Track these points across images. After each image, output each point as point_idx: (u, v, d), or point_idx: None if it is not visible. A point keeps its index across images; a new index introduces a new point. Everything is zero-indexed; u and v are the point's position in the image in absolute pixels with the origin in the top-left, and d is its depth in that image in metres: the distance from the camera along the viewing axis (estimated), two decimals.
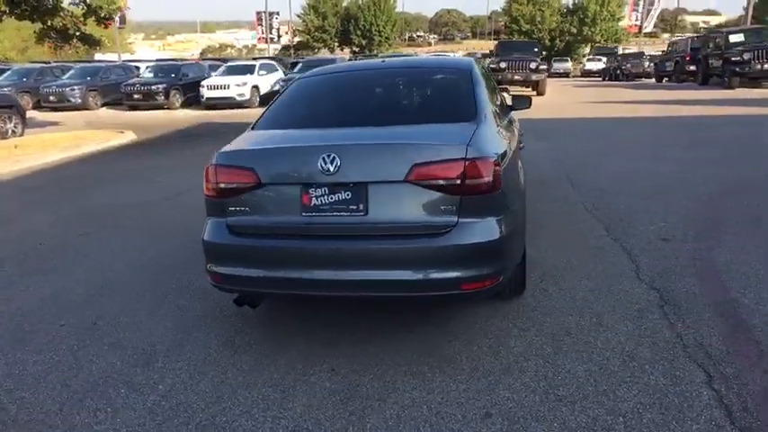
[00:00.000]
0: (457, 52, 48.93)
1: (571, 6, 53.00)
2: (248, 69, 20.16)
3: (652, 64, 31.23)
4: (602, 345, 2.85)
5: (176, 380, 2.75)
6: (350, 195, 2.59)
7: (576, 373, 2.61)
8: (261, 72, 20.18)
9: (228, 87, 18.84)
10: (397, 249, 2.56)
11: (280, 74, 21.20)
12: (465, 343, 2.94)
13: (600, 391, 2.47)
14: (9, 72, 21.81)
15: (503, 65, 19.65)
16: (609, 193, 5.89)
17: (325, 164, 2.56)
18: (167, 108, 19.51)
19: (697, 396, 2.39)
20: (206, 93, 19.06)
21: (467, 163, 2.53)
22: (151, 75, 20.91)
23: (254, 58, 28.74)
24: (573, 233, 4.62)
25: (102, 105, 20.79)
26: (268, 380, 2.71)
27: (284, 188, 2.70)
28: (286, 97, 3.49)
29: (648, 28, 53.15)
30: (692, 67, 22.41)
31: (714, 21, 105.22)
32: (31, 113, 16.67)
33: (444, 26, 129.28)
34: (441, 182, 2.53)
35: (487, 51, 34.34)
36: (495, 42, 28.77)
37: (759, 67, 17.51)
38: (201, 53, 69.36)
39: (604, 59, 39.28)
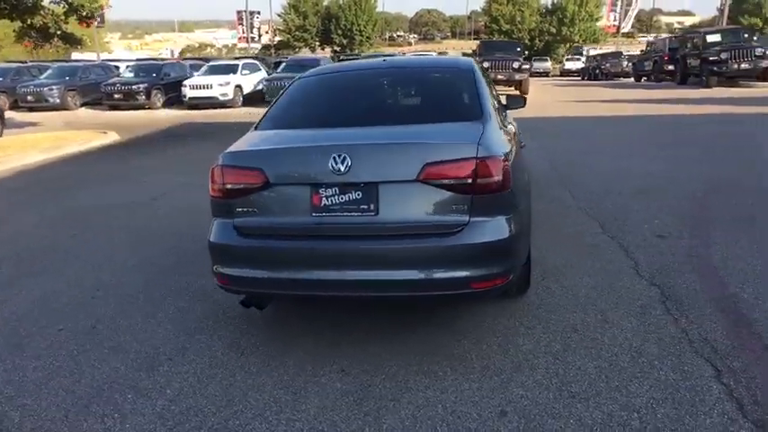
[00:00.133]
0: (449, 52, 49.03)
1: (550, 7, 53.57)
2: (231, 69, 19.95)
3: (630, 63, 31.75)
4: (610, 341, 2.88)
5: (184, 383, 2.71)
6: (360, 195, 2.58)
7: (587, 370, 2.63)
8: (244, 72, 19.99)
9: (211, 87, 18.61)
10: (408, 249, 2.55)
11: (263, 73, 21.03)
12: (473, 342, 2.94)
13: (612, 387, 2.49)
14: None
15: (486, 64, 19.72)
16: (599, 191, 5.96)
17: (336, 164, 2.54)
18: (149, 108, 19.20)
19: (707, 390, 2.43)
20: (188, 92, 18.80)
21: (478, 162, 2.53)
22: (132, 74, 20.55)
23: (236, 58, 28.47)
24: (569, 232, 4.66)
25: (82, 105, 20.37)
26: (278, 382, 2.68)
27: (293, 188, 2.67)
28: (288, 97, 3.45)
29: (626, 28, 54.03)
30: (671, 67, 22.83)
31: (688, 21, 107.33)
32: (8, 114, 16.25)
33: (424, 26, 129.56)
34: (452, 181, 2.53)
35: (469, 51, 34.54)
36: (476, 42, 28.97)
37: (736, 66, 17.92)
38: (181, 53, 68.49)
39: (583, 59, 39.95)
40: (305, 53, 52.33)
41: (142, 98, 19.11)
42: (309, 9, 55.10)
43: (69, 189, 7.53)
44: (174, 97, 19.88)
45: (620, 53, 35.85)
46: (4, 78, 20.75)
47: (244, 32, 51.21)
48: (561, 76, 41.83)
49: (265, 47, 55.51)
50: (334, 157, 2.55)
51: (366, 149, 2.60)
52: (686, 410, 2.31)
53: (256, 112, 17.52)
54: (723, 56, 18.06)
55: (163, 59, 31.11)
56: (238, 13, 51.28)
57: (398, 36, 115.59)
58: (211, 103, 18.68)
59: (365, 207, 2.58)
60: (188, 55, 55.81)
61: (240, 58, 24.95)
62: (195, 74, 20.47)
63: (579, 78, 36.48)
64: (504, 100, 4.58)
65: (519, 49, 21.26)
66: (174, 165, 9.23)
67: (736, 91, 17.73)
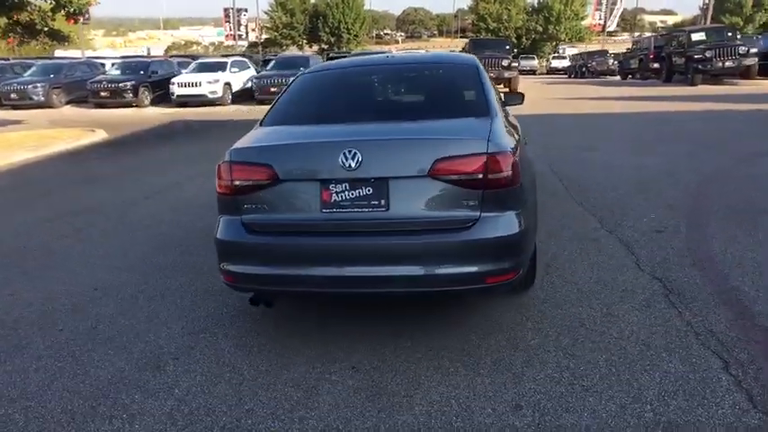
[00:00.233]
0: (452, 49, 49.06)
1: (536, 5, 53.89)
2: (220, 66, 19.79)
3: (616, 62, 32.08)
4: (617, 334, 2.90)
5: (192, 383, 2.67)
6: (371, 191, 2.56)
7: (597, 363, 2.64)
8: (233, 69, 19.85)
9: (200, 85, 18.44)
10: (420, 245, 2.54)
11: (252, 71, 20.89)
12: (482, 337, 2.94)
13: (623, 380, 2.50)
14: None
15: None
16: (595, 186, 6.00)
17: (347, 159, 2.52)
18: (136, 106, 18.97)
19: (717, 381, 2.45)
20: (177, 90, 18.62)
21: (488, 157, 2.53)
22: (118, 72, 20.28)
23: (224, 55, 28.22)
24: (568, 226, 4.68)
25: (67, 103, 20.06)
26: (288, 380, 2.65)
27: (303, 184, 2.65)
28: (293, 93, 3.42)
29: (612, 27, 54.50)
30: (656, 65, 23.10)
31: (671, 20, 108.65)
32: None
33: (411, 24, 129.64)
34: (463, 176, 2.52)
35: (457, 49, 34.62)
36: (463, 40, 29.06)
37: (720, 64, 18.16)
38: (166, 50, 67.77)
39: (569, 57, 40.36)
40: (292, 51, 52.07)
41: (129, 96, 18.87)
42: (297, 6, 54.83)
43: (60, 188, 7.42)
44: (161, 95, 19.67)
45: (606, 51, 36.21)
46: None
47: (231, 30, 50.75)
48: (548, 74, 42.18)
49: (252, 44, 55.09)
50: (345, 153, 2.53)
51: (377, 145, 2.59)
52: (698, 402, 2.33)
53: (246, 110, 17.47)
54: (708, 54, 18.30)
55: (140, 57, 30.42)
56: (225, 10, 50.77)
57: (385, 34, 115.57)
58: (200, 101, 18.53)
59: (375, 203, 2.56)
60: (174, 52, 55.24)
61: (229, 56, 24.73)
62: (183, 71, 20.27)
63: (566, 76, 36.77)
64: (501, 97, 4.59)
65: (508, 48, 21.36)
66: (165, 163, 9.13)
67: (720, 88, 17.96)
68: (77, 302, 3.68)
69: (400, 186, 2.56)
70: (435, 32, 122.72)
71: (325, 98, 3.41)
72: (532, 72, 41.66)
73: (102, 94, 19.00)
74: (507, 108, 4.39)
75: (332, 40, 53.96)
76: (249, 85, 19.70)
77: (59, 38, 14.45)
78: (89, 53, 38.99)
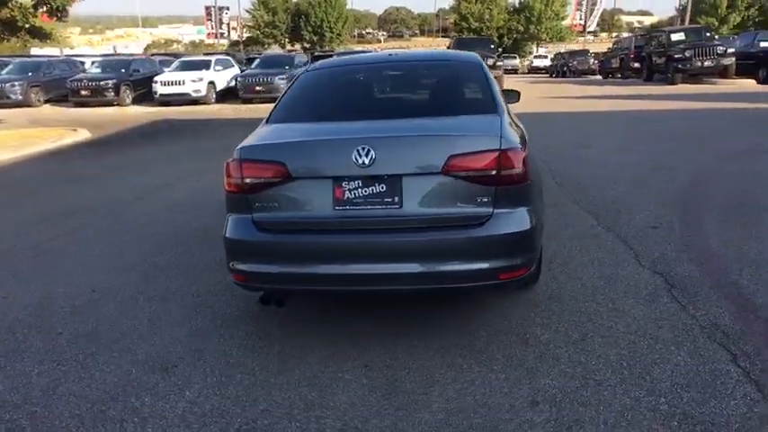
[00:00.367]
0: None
1: (517, 5, 54.29)
2: (204, 65, 19.56)
3: (596, 61, 32.49)
4: (625, 329, 2.93)
5: (203, 385, 2.63)
6: (384, 188, 2.55)
7: (609, 358, 2.67)
8: (217, 68, 19.63)
9: (184, 83, 18.21)
10: (434, 241, 2.54)
11: (236, 70, 20.70)
12: (492, 334, 2.95)
13: (635, 374, 2.53)
14: None
15: None
16: (588, 183, 6.06)
17: (360, 156, 2.51)
18: (117, 105, 18.65)
19: (726, 373, 2.49)
20: (159, 89, 18.35)
21: (501, 154, 2.54)
22: (99, 70, 19.91)
23: (206, 54, 27.91)
24: (566, 223, 4.72)
25: (45, 102, 19.65)
26: (301, 379, 2.63)
27: (316, 182, 2.62)
28: (298, 91, 3.39)
29: (592, 26, 55.21)
30: (637, 65, 23.42)
31: (647, 21, 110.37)
32: None
33: (393, 23, 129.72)
34: (477, 173, 2.53)
35: (444, 48, 34.73)
36: (445, 40, 29.16)
37: (699, 64, 18.50)
38: (145, 48, 66.80)
39: (550, 57, 40.79)
40: (274, 50, 51.70)
41: (111, 95, 18.55)
42: (279, 5, 54.43)
43: (46, 188, 7.26)
44: (143, 94, 19.38)
45: (587, 51, 36.64)
46: None
47: (213, 28, 50.22)
48: (529, 73, 42.56)
49: (234, 43, 54.60)
50: (358, 150, 2.51)
51: (391, 142, 2.58)
52: (710, 393, 2.36)
53: (231, 109, 17.31)
54: (687, 54, 18.62)
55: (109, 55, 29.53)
56: (207, 8, 50.21)
57: (367, 33, 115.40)
58: (184, 100, 18.29)
59: (389, 200, 2.55)
60: (154, 51, 54.46)
61: (212, 54, 24.47)
62: (166, 70, 19.99)
63: (547, 75, 37.13)
64: None
65: (492, 47, 21.52)
66: (153, 162, 8.99)
67: (699, 87, 18.29)
68: (76, 304, 3.60)
69: (414, 183, 2.56)
70: (417, 32, 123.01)
71: (333, 95, 3.38)
72: (514, 71, 41.99)
73: (83, 92, 18.65)
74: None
75: (314, 38, 53.71)
76: (234, 83, 19.50)
77: (41, 35, 14.13)
78: (66, 51, 38.23)
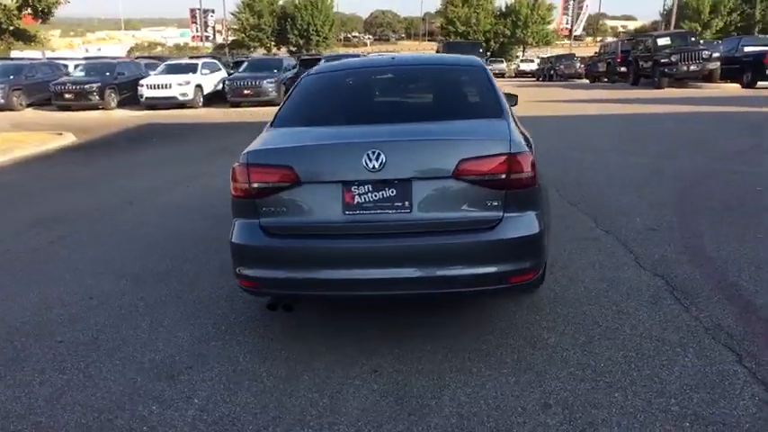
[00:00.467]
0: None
1: (504, 9, 54.74)
2: (191, 68, 19.39)
3: (582, 65, 32.87)
4: (631, 331, 2.95)
5: (211, 392, 2.60)
6: (394, 192, 2.55)
7: (617, 360, 2.69)
8: (204, 71, 19.46)
9: (170, 87, 18.03)
10: (445, 246, 2.54)
11: (223, 73, 20.57)
12: (499, 337, 2.95)
13: (644, 376, 2.55)
14: None
15: None
16: (585, 186, 6.12)
17: (370, 161, 2.50)
18: (102, 108, 18.40)
19: (734, 374, 2.52)
20: (146, 92, 18.16)
21: (511, 158, 2.55)
22: (83, 73, 19.65)
23: (192, 57, 27.69)
24: (564, 226, 4.75)
25: (28, 106, 19.35)
26: (311, 386, 2.61)
27: (325, 186, 2.60)
28: (301, 95, 3.37)
29: (578, 31, 55.88)
30: (624, 69, 23.72)
31: (631, 25, 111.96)
32: None
33: (379, 27, 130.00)
34: (487, 177, 2.53)
35: (433, 52, 34.89)
36: (431, 43, 29.29)
37: (685, 68, 18.78)
38: (129, 51, 66.14)
39: (537, 60, 41.20)
40: (260, 53, 51.48)
41: (95, 98, 18.30)
42: (265, 8, 54.15)
43: (36, 194, 7.14)
44: (129, 97, 19.18)
45: (573, 55, 37.04)
46: None
47: (198, 31, 49.91)
48: (516, 77, 42.90)
49: (219, 46, 54.27)
50: (369, 154, 2.50)
51: (402, 146, 2.57)
52: (719, 394, 2.39)
53: (220, 113, 17.18)
54: (674, 58, 18.89)
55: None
56: (192, 11, 49.93)
57: (353, 37, 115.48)
58: (170, 104, 18.11)
59: (399, 204, 2.55)
60: (137, 54, 53.91)
61: (199, 57, 24.28)
62: (152, 73, 19.80)
63: (534, 79, 37.45)
64: None
65: (481, 50, 21.73)
66: (143, 167, 8.89)
67: (686, 91, 18.57)
68: (74, 312, 3.54)
69: (424, 187, 2.55)
70: (403, 35, 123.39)
71: (338, 99, 3.36)
72: (501, 75, 42.31)
73: (67, 96, 18.38)
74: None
75: (300, 42, 53.56)
76: (221, 87, 19.38)
77: (25, 37, 13.89)
78: (48, 54, 37.68)
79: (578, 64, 33.59)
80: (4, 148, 10.47)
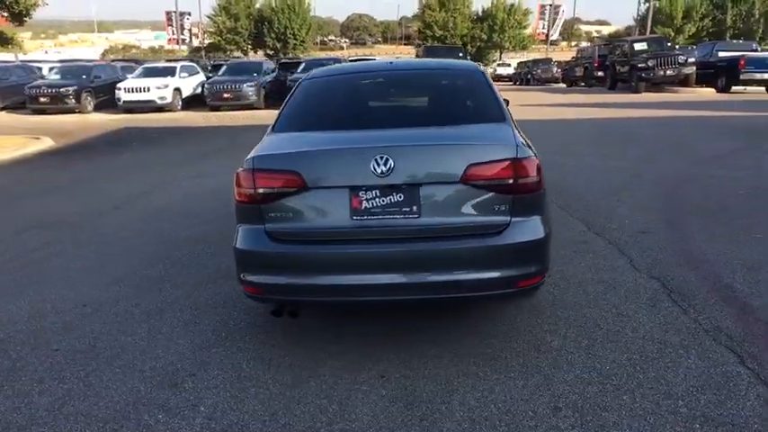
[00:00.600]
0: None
1: (481, 14, 55.23)
2: (169, 71, 19.12)
3: (559, 70, 33.36)
4: (632, 333, 2.99)
5: (217, 399, 2.56)
6: (402, 197, 2.54)
7: (622, 363, 2.72)
8: (182, 74, 19.22)
9: (149, 90, 17.76)
10: (453, 251, 2.54)
11: (202, 76, 20.35)
12: (503, 341, 2.96)
13: (650, 378, 2.58)
14: None
15: None
16: (571, 190, 6.19)
17: (378, 165, 2.49)
18: (79, 112, 18.03)
19: (737, 375, 2.57)
20: (123, 96, 17.85)
21: (517, 163, 2.57)
22: (58, 76, 19.23)
23: (169, 60, 27.34)
24: (556, 230, 4.72)
25: (2, 109, 18.86)
26: (318, 392, 2.58)
27: (332, 191, 2.58)
28: (302, 99, 3.34)
29: (555, 35, 56.69)
30: (601, 73, 24.15)
31: (606, 30, 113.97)
32: None
33: (356, 30, 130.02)
34: (494, 182, 2.55)
35: (411, 56, 35.02)
36: (408, 47, 29.40)
37: (662, 73, 19.21)
38: (103, 54, 64.95)
39: (513, 65, 41.67)
40: (237, 56, 51.00)
41: (72, 102, 17.93)
42: (241, 11, 53.66)
43: (17, 199, 6.96)
44: (105, 101, 18.84)
45: (551, 60, 37.55)
46: None
47: (174, 34, 49.24)
48: (493, 81, 43.29)
49: (195, 49, 53.59)
50: (376, 159, 2.50)
51: (410, 151, 2.57)
52: (725, 395, 2.43)
53: (200, 116, 16.97)
54: (650, 63, 19.31)
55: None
56: (167, 13, 49.22)
57: (330, 40, 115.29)
58: (149, 107, 17.84)
59: (407, 209, 2.54)
60: (112, 56, 52.96)
61: (177, 60, 23.97)
62: (129, 76, 19.48)
63: (511, 83, 37.87)
64: None
65: (461, 55, 21.80)
66: (125, 171, 8.72)
67: (662, 96, 18.99)
68: (68, 319, 3.45)
69: (432, 192, 2.55)
70: (380, 39, 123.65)
71: (340, 104, 3.34)
72: None
73: (42, 99, 17.97)
74: None
75: (278, 45, 53.22)
76: (200, 90, 19.17)
77: (2, 40, 13.51)
78: (20, 56, 36.74)
79: (555, 68, 34.07)
80: None
